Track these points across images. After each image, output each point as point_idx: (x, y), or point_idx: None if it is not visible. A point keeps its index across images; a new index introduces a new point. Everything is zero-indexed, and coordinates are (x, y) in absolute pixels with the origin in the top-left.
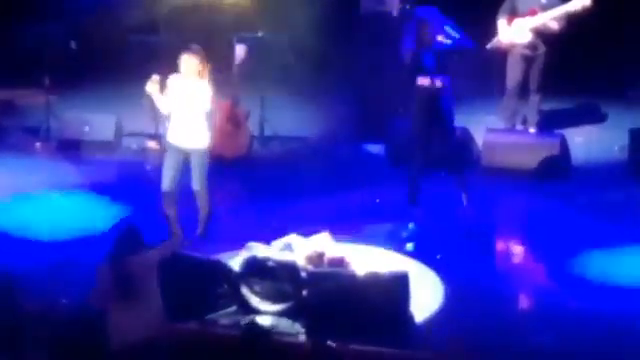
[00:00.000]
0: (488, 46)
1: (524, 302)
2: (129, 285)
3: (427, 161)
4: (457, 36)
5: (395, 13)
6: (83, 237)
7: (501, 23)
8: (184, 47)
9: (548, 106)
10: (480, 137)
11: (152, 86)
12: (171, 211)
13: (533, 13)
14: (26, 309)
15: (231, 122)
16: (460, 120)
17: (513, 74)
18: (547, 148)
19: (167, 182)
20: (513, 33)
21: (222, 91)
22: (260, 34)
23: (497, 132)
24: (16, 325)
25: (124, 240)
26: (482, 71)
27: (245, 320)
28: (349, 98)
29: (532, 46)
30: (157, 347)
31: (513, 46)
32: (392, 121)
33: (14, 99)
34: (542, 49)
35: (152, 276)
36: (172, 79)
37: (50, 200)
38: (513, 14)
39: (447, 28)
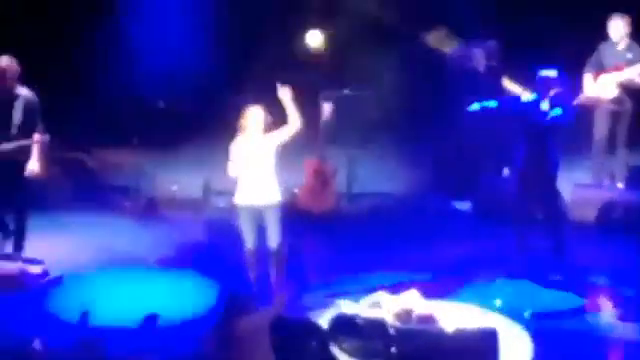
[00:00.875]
0: (574, 102)
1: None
2: (241, 347)
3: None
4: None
5: (481, 69)
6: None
7: (587, 78)
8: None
9: (637, 161)
10: (568, 193)
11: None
12: (256, 269)
13: (619, 69)
14: None
15: (319, 179)
16: None
17: (600, 129)
18: (634, 204)
19: (251, 241)
20: (599, 88)
21: (309, 149)
22: (346, 91)
23: (585, 188)
24: None
25: (235, 304)
26: (570, 127)
27: None
28: (438, 155)
29: (618, 101)
30: None
31: (599, 101)
32: (481, 177)
33: (105, 158)
34: (629, 104)
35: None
36: (237, 142)
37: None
38: (599, 69)
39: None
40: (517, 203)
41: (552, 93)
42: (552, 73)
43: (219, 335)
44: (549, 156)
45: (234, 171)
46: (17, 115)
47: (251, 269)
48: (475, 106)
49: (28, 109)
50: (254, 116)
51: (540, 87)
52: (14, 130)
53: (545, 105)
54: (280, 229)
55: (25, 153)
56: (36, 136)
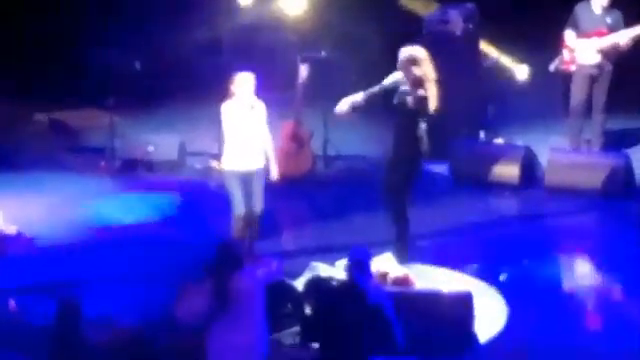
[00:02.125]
0: (551, 67)
1: (588, 322)
2: (232, 302)
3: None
4: None
5: (458, 33)
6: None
7: (569, 34)
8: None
9: (613, 125)
10: (544, 157)
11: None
12: (245, 234)
13: (601, 34)
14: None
15: (295, 142)
16: (524, 139)
17: (577, 94)
18: (611, 167)
19: (241, 206)
20: (579, 54)
21: (285, 111)
22: (323, 53)
23: (561, 152)
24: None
25: (226, 258)
26: (546, 91)
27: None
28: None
29: (599, 66)
30: None
31: (578, 66)
32: (456, 140)
33: (79, 120)
34: (608, 68)
35: (254, 294)
36: (225, 106)
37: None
38: (577, 33)
39: None
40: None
41: None
42: None
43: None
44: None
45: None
46: None
47: (239, 234)
48: None
49: None
50: (243, 82)
51: None
52: None
53: None
54: (263, 194)
55: None
56: None
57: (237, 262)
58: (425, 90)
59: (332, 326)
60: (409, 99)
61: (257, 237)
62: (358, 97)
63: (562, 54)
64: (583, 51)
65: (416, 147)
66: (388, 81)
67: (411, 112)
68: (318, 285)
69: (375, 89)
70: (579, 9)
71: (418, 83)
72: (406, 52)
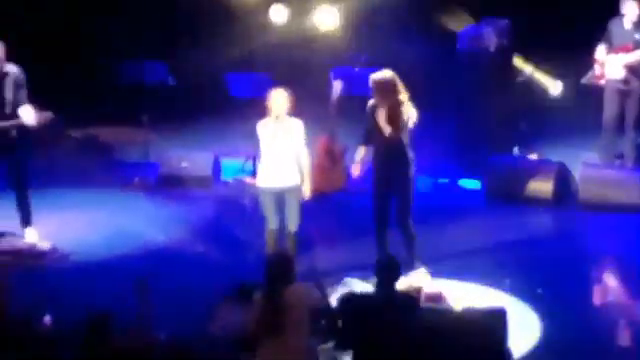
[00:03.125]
0: (583, 80)
1: (623, 340)
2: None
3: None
4: None
5: (492, 48)
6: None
7: (600, 50)
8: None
9: None
10: (578, 172)
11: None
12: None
13: (627, 50)
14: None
15: (328, 157)
16: (558, 155)
17: (608, 108)
18: None
19: (274, 222)
20: (608, 68)
21: (319, 126)
22: (357, 68)
23: (594, 167)
24: None
25: (278, 272)
26: (579, 107)
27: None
28: (446, 133)
29: (625, 81)
30: None
31: (607, 81)
32: (490, 156)
33: (113, 136)
34: (636, 84)
35: (302, 309)
36: (261, 125)
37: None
38: (609, 48)
39: None
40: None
41: None
42: None
43: None
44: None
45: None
46: (8, 93)
47: (271, 250)
48: None
49: (17, 85)
50: (277, 98)
51: None
52: (7, 109)
53: None
54: (300, 212)
55: (19, 130)
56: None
57: (289, 276)
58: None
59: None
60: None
61: (295, 254)
62: (361, 151)
63: (594, 68)
64: (611, 66)
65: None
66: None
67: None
68: (353, 300)
69: (365, 132)
70: (612, 24)
71: (397, 106)
72: (388, 77)
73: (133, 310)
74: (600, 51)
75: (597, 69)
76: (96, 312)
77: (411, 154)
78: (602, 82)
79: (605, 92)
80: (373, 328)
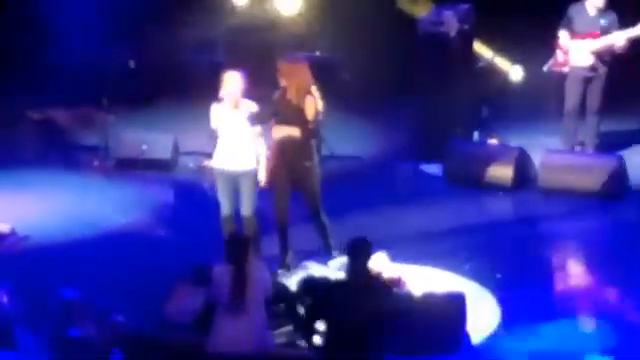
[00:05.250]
0: (545, 68)
1: (582, 323)
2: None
3: None
4: None
5: (453, 33)
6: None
7: (563, 35)
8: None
9: (607, 127)
10: (538, 158)
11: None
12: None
13: (595, 36)
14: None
15: None
16: (518, 141)
17: (571, 95)
18: (605, 169)
19: (227, 206)
20: (573, 55)
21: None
22: (317, 53)
23: (555, 153)
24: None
25: (237, 252)
26: (540, 92)
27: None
28: (406, 118)
29: (592, 67)
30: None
31: (572, 67)
32: (450, 141)
33: (72, 119)
34: (603, 70)
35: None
36: (215, 107)
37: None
38: (571, 33)
39: None
40: None
41: None
42: None
43: None
44: None
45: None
46: None
47: (226, 235)
48: None
49: None
50: (231, 81)
51: None
52: None
53: None
54: (254, 197)
55: None
56: None
57: (247, 255)
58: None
59: (338, 325)
60: None
61: (257, 237)
62: None
63: (555, 55)
64: (576, 52)
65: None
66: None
67: None
68: (315, 283)
69: None
70: (573, 10)
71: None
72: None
73: (92, 293)
74: (563, 37)
75: (559, 56)
76: (57, 297)
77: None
78: (565, 69)
79: (568, 79)
80: (341, 310)
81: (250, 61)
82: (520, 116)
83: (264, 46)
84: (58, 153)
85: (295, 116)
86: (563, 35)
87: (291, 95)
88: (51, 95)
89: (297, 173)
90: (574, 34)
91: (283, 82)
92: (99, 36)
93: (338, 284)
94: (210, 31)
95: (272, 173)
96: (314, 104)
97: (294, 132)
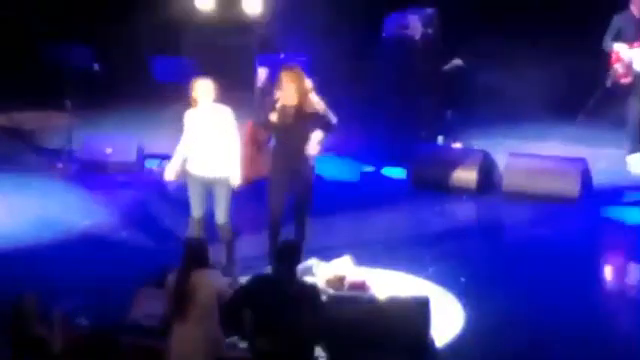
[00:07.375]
0: (608, 83)
1: (545, 328)
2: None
3: None
4: None
5: (417, 37)
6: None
7: (622, 47)
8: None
9: None
10: (502, 162)
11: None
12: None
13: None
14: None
15: (253, 145)
16: (483, 144)
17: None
18: (569, 173)
19: (198, 210)
20: (636, 63)
21: (244, 113)
22: (282, 56)
23: (519, 157)
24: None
25: (192, 257)
26: (505, 96)
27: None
28: (370, 121)
29: None
30: None
31: (637, 76)
32: (414, 145)
33: (36, 121)
34: None
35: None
36: (189, 114)
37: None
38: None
39: None
40: None
41: None
42: None
43: None
44: None
45: (186, 142)
46: None
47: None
48: None
49: None
50: (203, 88)
51: None
52: None
53: None
54: (229, 204)
55: None
56: None
57: (203, 262)
58: None
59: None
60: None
61: (231, 244)
62: None
63: (614, 68)
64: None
65: None
66: None
67: None
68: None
69: None
70: (619, 20)
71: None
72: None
73: (56, 296)
74: (622, 49)
75: (619, 68)
76: (18, 298)
77: None
78: (627, 80)
79: (636, 86)
80: (257, 302)
81: (217, 64)
82: (484, 120)
83: (228, 48)
84: (22, 156)
85: (298, 117)
86: (621, 47)
87: (293, 98)
88: (15, 97)
89: (297, 173)
90: (628, 44)
91: (285, 88)
92: (63, 36)
93: (263, 278)
94: (175, 34)
95: (271, 169)
96: (319, 103)
97: (298, 134)
